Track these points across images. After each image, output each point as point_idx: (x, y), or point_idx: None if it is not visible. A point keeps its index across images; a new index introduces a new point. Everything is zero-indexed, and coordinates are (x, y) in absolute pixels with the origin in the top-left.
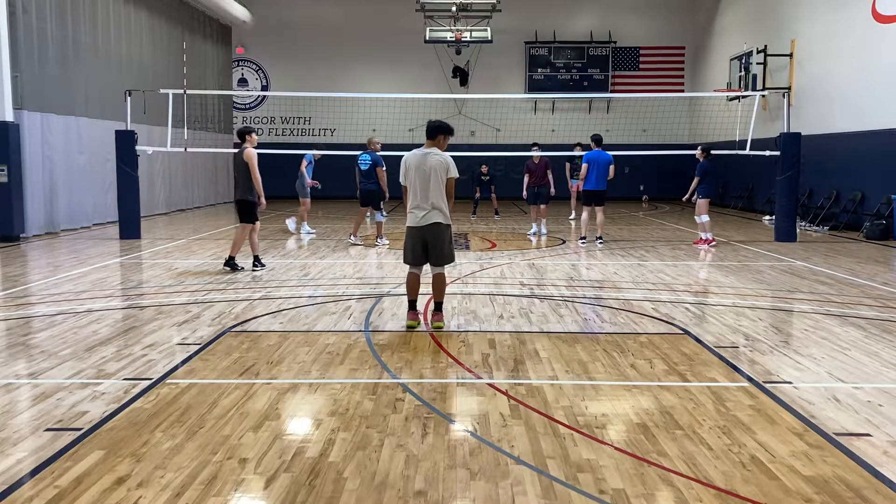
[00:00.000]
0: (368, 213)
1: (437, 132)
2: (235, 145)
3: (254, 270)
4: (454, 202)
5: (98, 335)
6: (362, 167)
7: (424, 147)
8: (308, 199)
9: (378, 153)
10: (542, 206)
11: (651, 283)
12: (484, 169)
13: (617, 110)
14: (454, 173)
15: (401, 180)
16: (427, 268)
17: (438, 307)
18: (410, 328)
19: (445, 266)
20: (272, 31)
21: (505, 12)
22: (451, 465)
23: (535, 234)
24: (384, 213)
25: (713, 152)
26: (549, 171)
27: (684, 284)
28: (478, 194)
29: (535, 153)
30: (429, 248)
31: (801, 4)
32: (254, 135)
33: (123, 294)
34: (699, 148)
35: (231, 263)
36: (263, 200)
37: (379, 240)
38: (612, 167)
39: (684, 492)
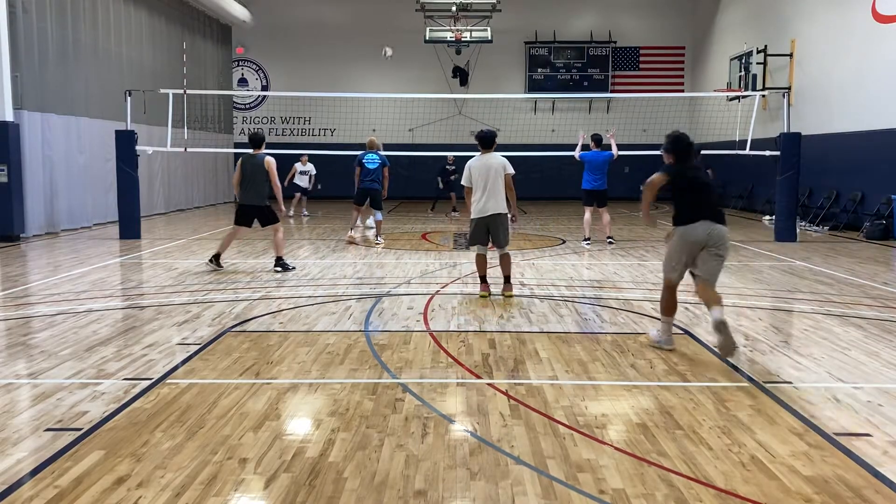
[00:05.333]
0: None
1: (494, 140)
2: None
3: (276, 271)
4: (514, 194)
5: (98, 335)
6: (370, 166)
7: (482, 154)
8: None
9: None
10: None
11: (651, 283)
12: (450, 158)
13: (617, 110)
14: (511, 170)
15: (464, 182)
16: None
17: (507, 279)
18: (483, 297)
19: (507, 248)
20: (272, 31)
21: (505, 12)
22: (451, 465)
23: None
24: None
25: (703, 152)
26: None
27: (684, 284)
28: (441, 186)
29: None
30: (490, 232)
31: (801, 4)
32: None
33: (123, 294)
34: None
35: (282, 263)
36: (283, 206)
37: (379, 237)
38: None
39: (684, 492)
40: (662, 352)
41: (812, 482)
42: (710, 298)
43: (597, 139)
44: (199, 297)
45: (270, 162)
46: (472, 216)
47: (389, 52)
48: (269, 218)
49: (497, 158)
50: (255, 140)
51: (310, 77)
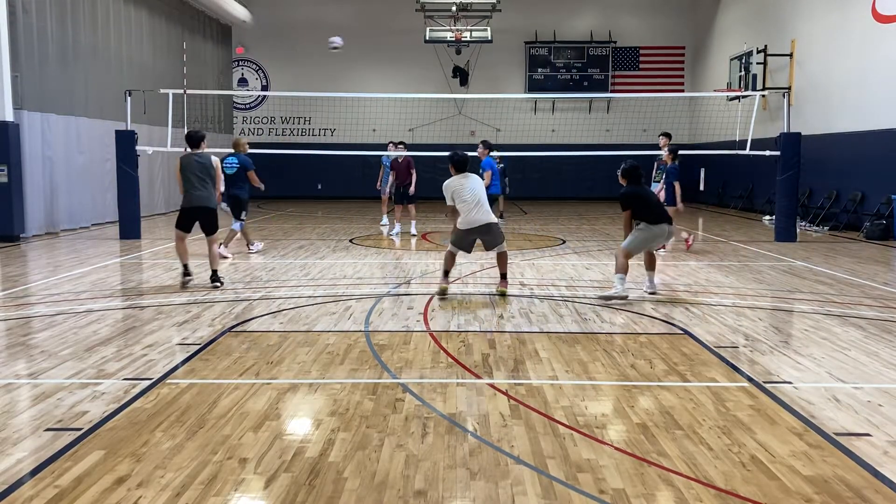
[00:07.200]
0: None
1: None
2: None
3: (214, 286)
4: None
5: (98, 335)
6: (227, 171)
7: (457, 176)
8: (385, 196)
9: (247, 154)
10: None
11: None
12: (497, 157)
13: (617, 110)
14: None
15: (449, 202)
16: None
17: (504, 276)
18: (442, 292)
19: (504, 246)
20: (272, 31)
21: (505, 12)
22: (451, 465)
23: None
24: (244, 221)
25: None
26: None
27: (684, 284)
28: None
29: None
30: (482, 240)
31: (801, 4)
32: (204, 141)
33: (123, 294)
34: (667, 150)
35: (217, 278)
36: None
37: (223, 248)
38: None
39: (684, 492)
40: (662, 351)
41: (812, 482)
42: (653, 263)
43: (489, 145)
44: (199, 297)
45: (217, 161)
46: (460, 227)
47: (337, 41)
48: (213, 225)
49: (474, 176)
50: (196, 139)
51: (310, 77)
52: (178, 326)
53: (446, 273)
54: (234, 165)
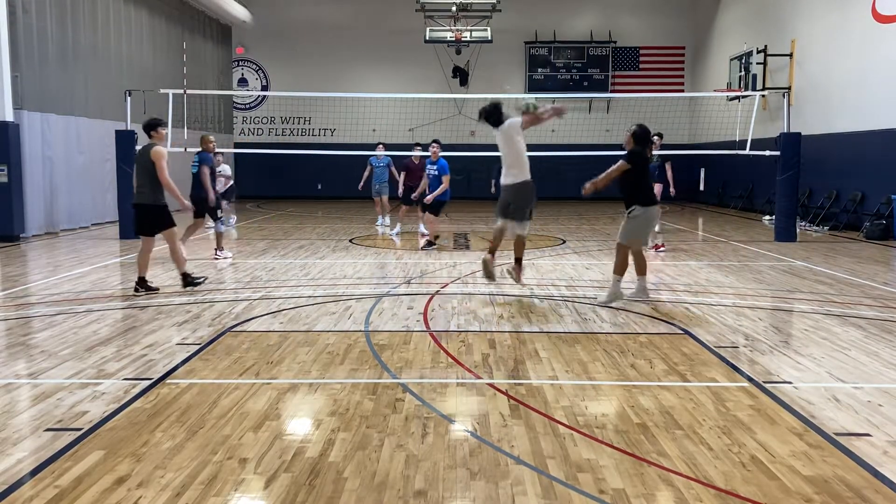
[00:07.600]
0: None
1: (498, 112)
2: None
3: (136, 293)
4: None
5: (98, 335)
6: (192, 169)
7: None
8: (378, 198)
9: (211, 153)
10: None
11: (651, 282)
12: None
13: (617, 110)
14: (519, 119)
15: None
16: None
17: (517, 261)
18: (487, 273)
19: (524, 232)
20: (272, 31)
21: (505, 12)
22: (451, 465)
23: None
24: (224, 221)
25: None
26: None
27: (684, 284)
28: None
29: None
30: (510, 210)
31: (801, 4)
32: (161, 129)
33: (123, 294)
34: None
35: (189, 280)
36: (187, 202)
37: (219, 252)
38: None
39: (684, 492)
40: (662, 351)
41: (812, 482)
42: (643, 268)
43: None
44: (199, 297)
45: (157, 152)
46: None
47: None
48: (161, 222)
49: (505, 127)
50: (145, 128)
51: (310, 77)
52: (178, 326)
53: (492, 252)
54: (196, 164)
